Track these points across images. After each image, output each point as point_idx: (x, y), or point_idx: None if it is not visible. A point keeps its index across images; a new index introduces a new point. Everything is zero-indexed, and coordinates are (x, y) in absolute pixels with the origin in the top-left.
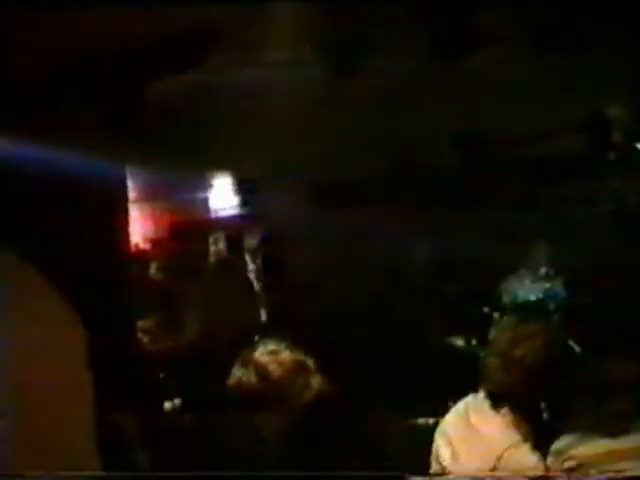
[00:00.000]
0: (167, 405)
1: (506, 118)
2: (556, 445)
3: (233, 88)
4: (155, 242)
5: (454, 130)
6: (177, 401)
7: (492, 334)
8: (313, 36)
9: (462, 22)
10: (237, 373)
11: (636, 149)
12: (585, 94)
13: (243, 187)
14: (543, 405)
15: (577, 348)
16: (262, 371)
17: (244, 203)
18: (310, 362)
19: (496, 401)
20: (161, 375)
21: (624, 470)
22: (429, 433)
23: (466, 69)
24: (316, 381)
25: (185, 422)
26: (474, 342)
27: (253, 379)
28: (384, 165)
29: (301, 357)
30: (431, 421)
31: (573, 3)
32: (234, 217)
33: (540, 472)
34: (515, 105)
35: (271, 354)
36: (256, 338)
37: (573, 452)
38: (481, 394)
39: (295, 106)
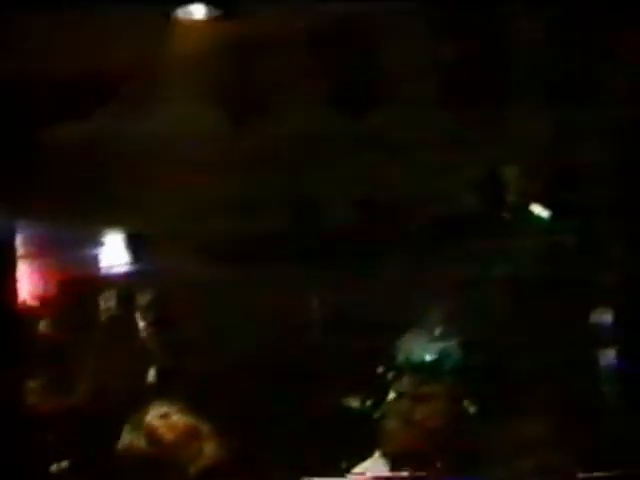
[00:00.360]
0: (54, 468)
1: (405, 178)
2: None
3: (125, 140)
4: (44, 299)
5: (354, 189)
6: (65, 464)
7: (389, 395)
8: (212, 89)
9: (365, 79)
10: (127, 437)
11: (531, 211)
12: (482, 153)
13: (135, 242)
14: (442, 468)
15: (473, 409)
16: (153, 435)
17: (136, 259)
18: (203, 427)
19: (396, 464)
20: (49, 437)
21: None
22: None
23: (369, 127)
24: (210, 447)
25: None
26: (369, 403)
27: (143, 443)
28: (279, 221)
29: (193, 421)
30: None
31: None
32: (125, 274)
33: None
34: (415, 165)
35: (162, 417)
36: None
37: None
38: (377, 458)
39: (190, 160)
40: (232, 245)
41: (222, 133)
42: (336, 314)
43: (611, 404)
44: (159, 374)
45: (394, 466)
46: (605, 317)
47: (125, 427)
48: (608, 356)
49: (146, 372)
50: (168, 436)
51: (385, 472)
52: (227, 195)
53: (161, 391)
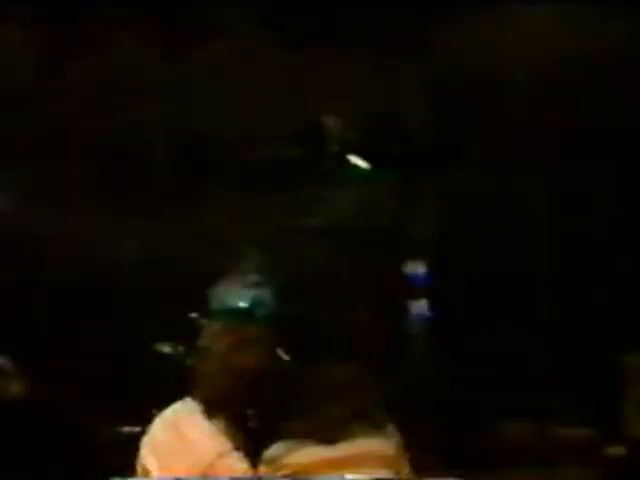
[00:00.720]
0: None
1: (226, 119)
2: (268, 453)
3: None
4: None
5: (170, 128)
6: None
7: (204, 341)
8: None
9: (191, 15)
10: None
11: (350, 162)
12: (305, 101)
13: None
14: (255, 413)
15: (286, 356)
16: None
17: None
18: (9, 365)
19: (208, 409)
20: None
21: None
22: (136, 441)
23: (193, 64)
24: (15, 386)
25: None
26: (181, 348)
27: None
28: (93, 161)
29: None
30: (137, 429)
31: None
32: None
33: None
34: (239, 106)
35: None
36: None
37: (286, 461)
38: (190, 401)
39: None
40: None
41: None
42: (148, 258)
43: (422, 352)
44: None
45: (206, 411)
46: (418, 268)
47: None
48: (420, 306)
49: None
50: None
51: (196, 417)
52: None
53: None
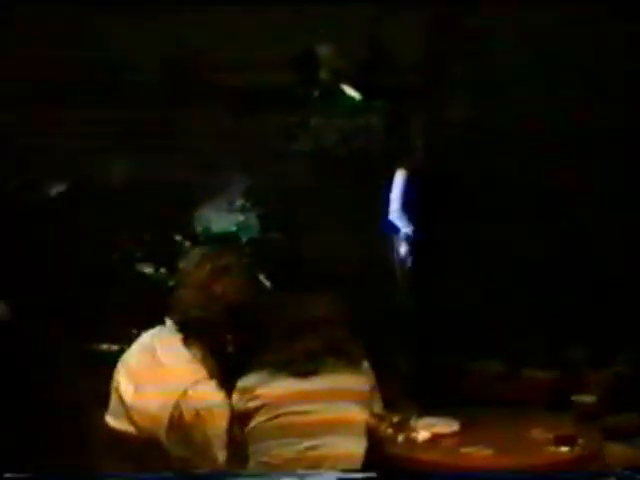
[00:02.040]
0: None
1: (215, 41)
2: (242, 383)
3: None
4: None
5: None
6: None
7: (185, 264)
8: None
9: None
10: None
11: (340, 89)
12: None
13: None
14: (231, 340)
15: (268, 284)
16: None
17: None
18: None
19: (186, 335)
20: None
21: (309, 411)
22: (113, 360)
23: None
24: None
25: None
26: (163, 270)
27: None
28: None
29: None
30: (115, 348)
31: None
32: None
33: None
34: (228, 30)
35: None
36: None
37: (259, 391)
38: (169, 326)
39: None
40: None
41: None
42: (132, 178)
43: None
44: None
45: (184, 337)
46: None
47: None
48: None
49: None
50: None
51: (173, 342)
52: None
53: None
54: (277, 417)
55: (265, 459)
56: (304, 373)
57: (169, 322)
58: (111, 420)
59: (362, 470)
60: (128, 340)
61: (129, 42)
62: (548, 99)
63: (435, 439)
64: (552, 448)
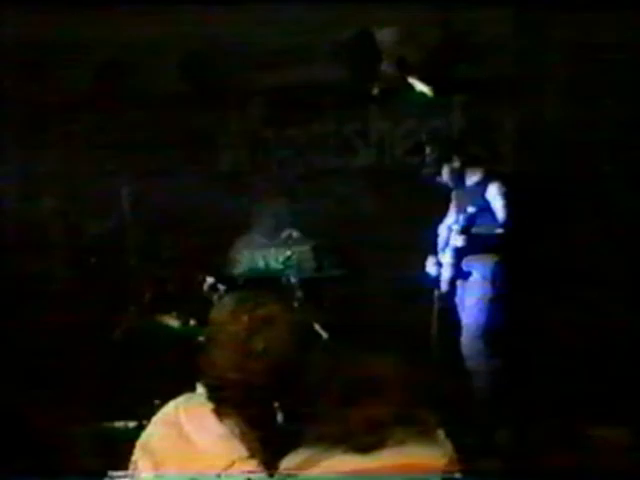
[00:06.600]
0: None
1: (251, 36)
2: (289, 461)
3: None
4: None
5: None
6: None
7: (217, 314)
8: None
9: None
10: None
11: (408, 84)
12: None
13: None
14: (276, 409)
15: (325, 334)
16: None
17: None
18: None
19: (219, 403)
20: None
21: None
22: (129, 439)
23: None
24: None
25: None
26: (192, 322)
27: None
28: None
29: None
30: (131, 425)
31: None
32: None
33: None
34: (263, 23)
35: None
36: None
37: (309, 472)
38: (197, 395)
39: None
40: None
41: None
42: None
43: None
44: None
45: (217, 406)
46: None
47: None
48: None
49: None
50: None
51: (204, 413)
52: None
53: None
54: None
55: None
56: (366, 447)
57: (200, 388)
58: None
59: None
60: (148, 414)
61: None
62: None
63: None
64: None
